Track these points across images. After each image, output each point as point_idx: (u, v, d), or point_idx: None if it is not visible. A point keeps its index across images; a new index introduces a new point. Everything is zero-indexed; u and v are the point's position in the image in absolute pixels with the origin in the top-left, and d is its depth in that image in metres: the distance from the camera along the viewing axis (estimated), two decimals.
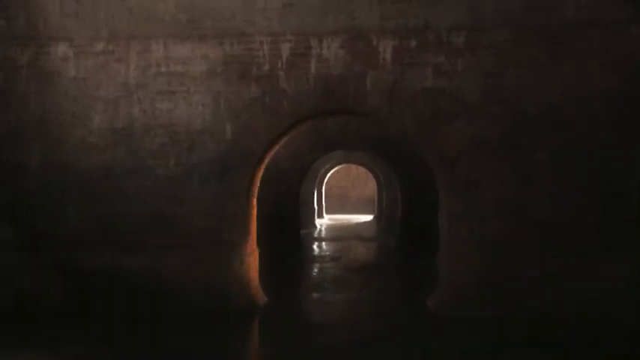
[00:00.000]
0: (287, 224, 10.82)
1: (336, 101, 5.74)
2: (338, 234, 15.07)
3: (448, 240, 5.66)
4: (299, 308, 6.32)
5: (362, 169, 23.91)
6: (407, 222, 10.77)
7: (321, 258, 10.17)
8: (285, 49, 5.66)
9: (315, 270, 8.78)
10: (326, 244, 12.50)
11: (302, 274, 8.48)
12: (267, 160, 6.29)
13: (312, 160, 11.29)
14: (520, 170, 5.45)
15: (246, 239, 5.94)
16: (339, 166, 21.32)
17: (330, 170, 20.80)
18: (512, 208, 5.45)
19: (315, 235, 14.92)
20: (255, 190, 6.26)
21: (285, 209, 10.87)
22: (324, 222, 19.58)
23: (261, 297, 6.21)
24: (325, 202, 22.92)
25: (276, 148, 6.31)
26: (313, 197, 16.89)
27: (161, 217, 5.77)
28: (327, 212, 23.13)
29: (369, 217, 22.18)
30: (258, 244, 6.43)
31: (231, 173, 5.78)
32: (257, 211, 6.32)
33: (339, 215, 23.35)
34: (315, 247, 12.05)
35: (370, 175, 22.49)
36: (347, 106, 5.79)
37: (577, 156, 5.38)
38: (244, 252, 5.88)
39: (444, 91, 5.54)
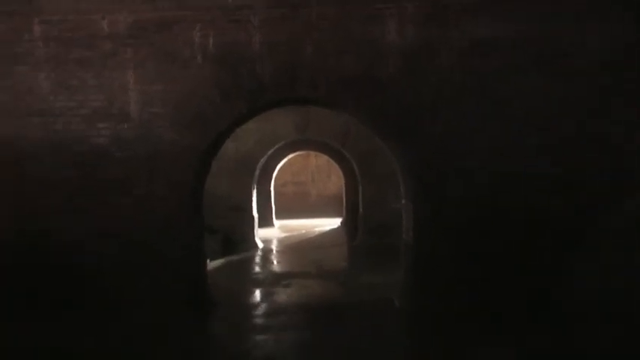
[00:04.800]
0: (155, 276, 4.85)
1: None
2: (288, 264, 9.03)
3: None
4: None
5: (323, 158, 18.03)
6: (439, 252, 4.93)
7: None
8: None
9: None
10: (260, 298, 6.50)
11: None
12: None
13: (226, 124, 5.28)
14: None
15: None
16: (293, 154, 15.36)
17: (279, 160, 14.83)
18: None
19: (255, 266, 8.83)
20: None
21: (161, 235, 4.86)
22: (272, 235, 13.49)
23: None
24: (276, 205, 16.86)
25: None
26: (251, 200, 10.75)
27: None
28: (279, 217, 17.07)
29: (335, 222, 16.21)
30: None
31: None
32: None
33: (296, 221, 17.22)
34: (234, 309, 6.02)
35: (334, 166, 16.61)
36: None
37: None
38: None
39: None
